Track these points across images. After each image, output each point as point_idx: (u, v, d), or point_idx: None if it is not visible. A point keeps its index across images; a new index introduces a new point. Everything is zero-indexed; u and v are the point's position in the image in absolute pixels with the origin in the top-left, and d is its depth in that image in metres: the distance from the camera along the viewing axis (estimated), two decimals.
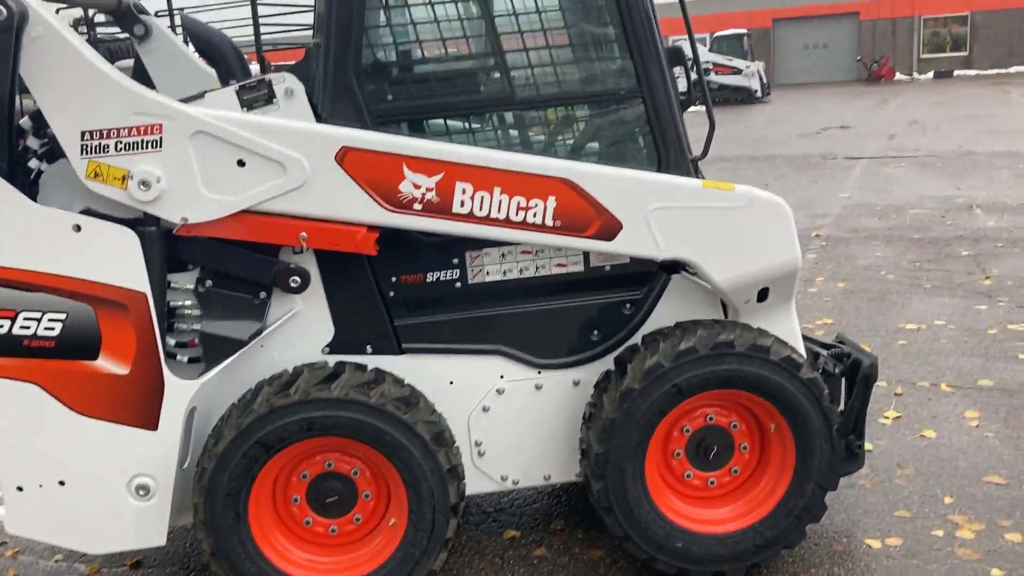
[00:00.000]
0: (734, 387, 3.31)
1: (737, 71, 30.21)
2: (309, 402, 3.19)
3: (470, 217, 3.30)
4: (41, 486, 3.31)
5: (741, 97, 29.89)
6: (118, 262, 3.18)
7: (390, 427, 3.23)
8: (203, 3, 13.26)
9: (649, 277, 3.61)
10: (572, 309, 3.62)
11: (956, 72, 38.54)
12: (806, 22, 40.92)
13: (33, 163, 3.27)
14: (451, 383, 3.59)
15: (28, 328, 3.19)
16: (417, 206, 3.28)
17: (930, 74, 38.92)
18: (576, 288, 3.61)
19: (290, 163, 3.19)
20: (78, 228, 3.15)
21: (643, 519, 3.38)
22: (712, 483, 3.52)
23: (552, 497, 4.27)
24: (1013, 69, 37.79)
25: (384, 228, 3.32)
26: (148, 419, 3.29)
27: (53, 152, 3.27)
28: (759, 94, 30.37)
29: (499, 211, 3.30)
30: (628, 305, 3.63)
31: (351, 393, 3.21)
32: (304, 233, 3.27)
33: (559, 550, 3.82)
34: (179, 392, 3.27)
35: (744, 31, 32.99)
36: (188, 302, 3.41)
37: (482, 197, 3.29)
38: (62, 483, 3.31)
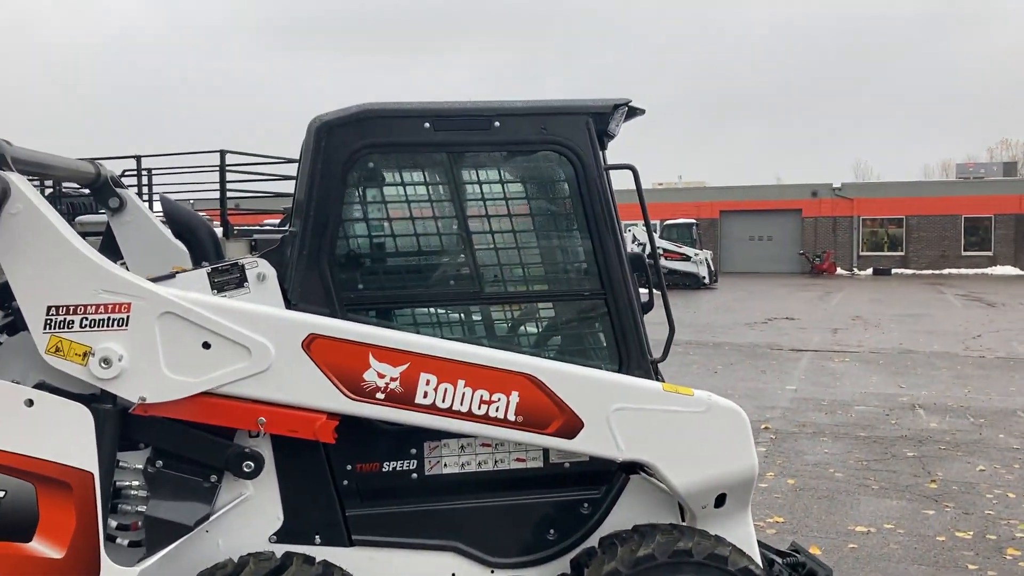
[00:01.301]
0: None
1: (686, 258, 31.30)
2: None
3: (432, 408, 3.30)
4: None
5: (689, 283, 30.82)
6: (68, 440, 3.10)
7: None
8: (171, 165, 13.55)
9: (608, 476, 3.60)
10: (529, 506, 3.57)
11: (894, 270, 40.33)
12: (752, 215, 42.91)
13: None
14: None
15: None
16: (380, 395, 3.27)
17: (869, 270, 40.67)
18: (534, 484, 3.58)
19: (256, 347, 3.19)
20: (30, 403, 3.08)
21: None
22: None
23: None
24: (946, 271, 39.70)
25: (345, 416, 3.29)
26: None
27: (15, 324, 3.24)
28: (707, 280, 31.36)
29: (462, 404, 3.31)
30: (586, 504, 3.59)
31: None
32: (263, 418, 3.23)
33: None
34: None
35: (693, 221, 34.40)
36: (135, 482, 3.31)
37: (446, 389, 3.30)
38: None
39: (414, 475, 3.51)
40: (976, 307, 23.25)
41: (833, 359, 14.20)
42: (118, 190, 4.22)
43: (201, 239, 3.63)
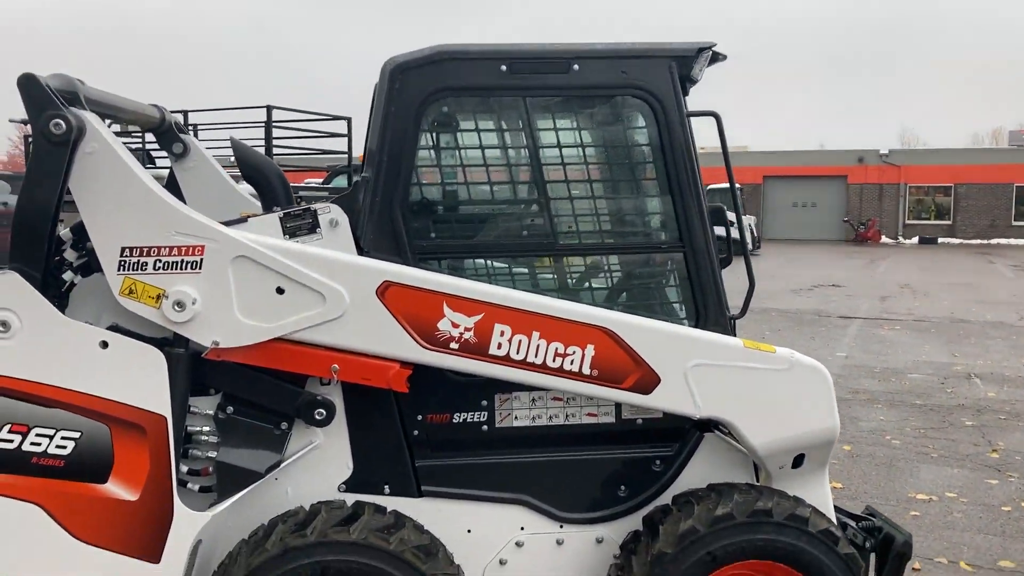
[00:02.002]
0: (769, 558, 3.17)
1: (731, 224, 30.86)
2: (325, 544, 3.03)
3: (506, 360, 3.23)
4: None
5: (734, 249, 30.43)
6: (142, 383, 3.08)
7: None
8: (216, 121, 13.56)
9: (681, 434, 3.52)
10: (600, 462, 3.50)
11: (940, 239, 39.55)
12: (796, 181, 42.20)
13: (67, 275, 3.20)
14: (468, 531, 3.44)
15: (38, 445, 3.04)
16: (454, 345, 3.21)
17: (914, 239, 39.91)
18: (605, 440, 3.51)
19: (330, 294, 3.13)
20: (105, 345, 3.05)
21: None
22: None
23: None
24: (994, 240, 38.84)
25: (418, 365, 3.24)
26: (151, 550, 3.10)
27: (89, 266, 3.21)
28: (751, 247, 30.97)
29: (536, 356, 3.23)
30: (658, 461, 3.51)
31: (370, 537, 3.05)
32: (336, 365, 3.18)
33: None
34: (187, 523, 3.10)
35: (738, 186, 33.89)
36: (206, 428, 3.28)
37: (520, 341, 3.23)
38: None
39: (484, 427, 3.45)
40: None
41: (883, 327, 13.95)
42: (182, 136, 4.17)
43: (272, 184, 3.57)
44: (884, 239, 40.17)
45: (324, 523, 3.07)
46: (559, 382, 3.27)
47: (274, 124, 13.31)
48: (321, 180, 17.43)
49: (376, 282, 3.16)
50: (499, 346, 3.22)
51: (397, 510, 3.28)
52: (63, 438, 3.05)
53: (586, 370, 3.25)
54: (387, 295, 3.17)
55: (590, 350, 3.24)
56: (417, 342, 3.19)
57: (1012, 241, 38.63)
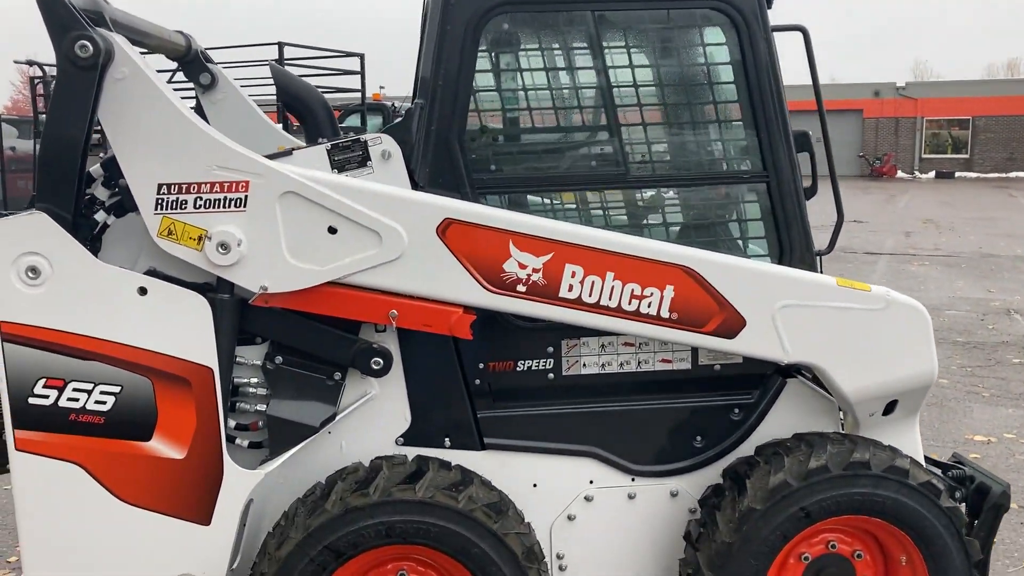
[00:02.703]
0: (866, 513, 2.94)
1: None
2: (390, 503, 2.80)
3: (577, 303, 2.97)
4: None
5: None
6: (185, 332, 2.82)
7: (478, 538, 2.83)
8: (227, 60, 13.13)
9: (762, 380, 3.27)
10: (674, 411, 3.26)
11: (957, 173, 38.92)
12: (810, 115, 41.25)
13: (99, 215, 2.93)
14: (534, 486, 3.21)
15: (76, 400, 2.80)
16: (521, 288, 2.94)
17: (931, 174, 39.28)
18: (680, 387, 3.26)
19: (387, 233, 2.86)
20: (143, 291, 2.79)
21: None
22: None
23: None
24: (1013, 174, 38.19)
25: (482, 310, 2.98)
26: (201, 511, 2.89)
27: (122, 205, 2.94)
28: None
29: (610, 299, 2.97)
30: (737, 410, 3.27)
31: (437, 496, 2.83)
32: (394, 311, 2.92)
33: None
34: (239, 482, 2.88)
35: None
36: (254, 380, 3.04)
37: (593, 282, 2.96)
38: None
39: (550, 375, 3.20)
40: None
41: (911, 263, 13.66)
42: (209, 65, 3.85)
43: (316, 113, 3.27)
44: (900, 174, 39.53)
45: (387, 481, 2.85)
46: (635, 327, 3.01)
47: (286, 62, 12.90)
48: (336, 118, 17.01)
49: (436, 220, 2.89)
50: (570, 288, 2.96)
51: (462, 465, 3.05)
52: (102, 393, 2.81)
53: (664, 313, 2.98)
54: (448, 234, 2.90)
55: (669, 291, 2.97)
56: (481, 285, 2.93)
57: None
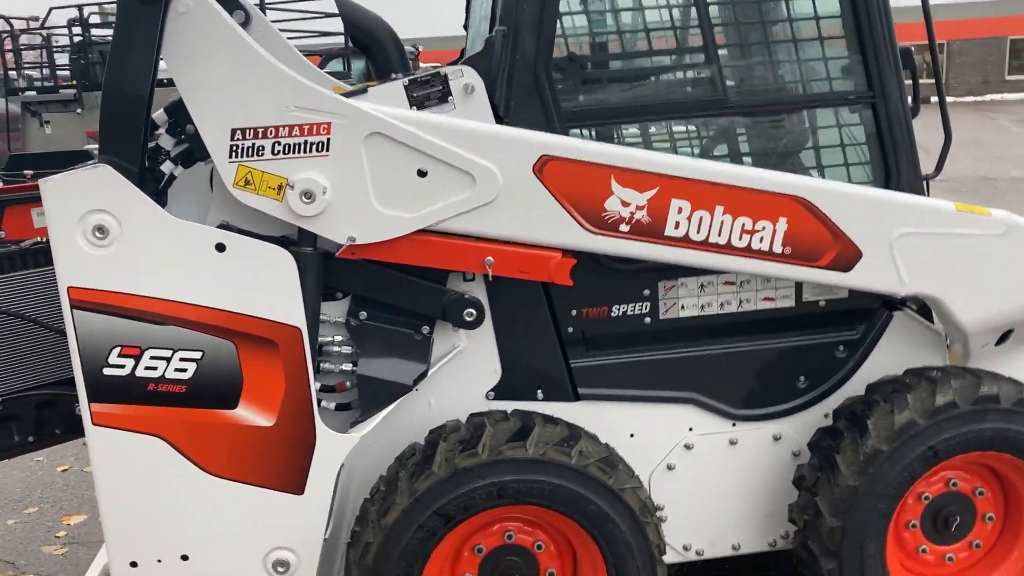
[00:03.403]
0: (996, 449, 2.81)
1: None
2: (500, 463, 2.63)
3: (684, 241, 2.77)
4: (160, 561, 2.70)
5: None
6: (269, 290, 2.60)
7: (593, 494, 2.67)
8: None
9: (868, 314, 3.10)
10: (776, 351, 3.09)
11: (932, 98, 38.75)
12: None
13: (166, 166, 2.68)
14: (631, 436, 3.05)
15: (155, 369, 2.58)
16: (624, 227, 2.74)
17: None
18: (782, 326, 3.09)
19: (480, 173, 2.63)
20: (221, 248, 2.56)
21: None
22: (949, 559, 3.01)
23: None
24: (988, 97, 38.16)
25: (583, 253, 2.77)
26: (293, 481, 2.69)
27: (191, 153, 2.68)
28: None
29: (719, 235, 2.77)
30: (841, 347, 3.11)
31: (549, 452, 2.65)
32: (490, 258, 2.71)
33: None
34: (333, 447, 2.69)
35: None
36: (338, 338, 2.83)
37: (701, 218, 2.76)
38: (185, 558, 2.70)
39: (647, 319, 3.02)
40: None
41: None
42: (242, 2, 3.55)
43: (384, 46, 3.01)
44: None
45: (494, 439, 2.66)
46: (745, 264, 2.82)
47: (267, 6, 12.42)
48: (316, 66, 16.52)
49: (533, 157, 2.66)
50: (676, 225, 2.75)
51: (566, 419, 2.87)
52: (182, 360, 2.59)
53: (777, 248, 2.79)
54: (546, 172, 2.67)
55: (782, 224, 2.78)
56: (581, 226, 2.72)
57: (1008, 96, 37.94)
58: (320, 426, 2.67)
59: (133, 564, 2.70)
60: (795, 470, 3.06)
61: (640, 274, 2.96)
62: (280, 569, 2.74)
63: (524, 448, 2.63)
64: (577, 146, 2.70)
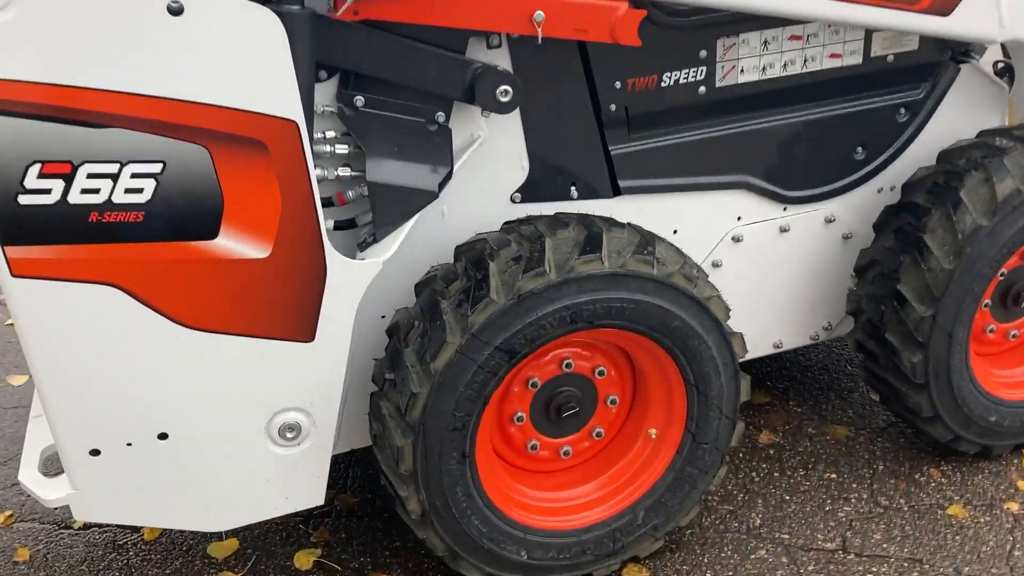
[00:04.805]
0: None
1: None
2: (574, 281, 2.08)
3: None
4: (130, 445, 2.05)
5: None
6: (251, 69, 1.84)
7: (679, 308, 2.19)
8: None
9: (934, 69, 2.67)
10: (835, 119, 2.63)
11: None
12: None
13: None
14: (675, 232, 2.56)
15: (96, 193, 1.81)
16: None
17: None
18: (846, 88, 2.62)
19: None
20: (176, 9, 1.75)
21: (962, 393, 2.60)
22: (1013, 336, 2.78)
23: None
24: None
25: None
26: (300, 325, 2.06)
27: None
28: None
29: None
30: (903, 109, 2.68)
31: (630, 264, 2.12)
32: (541, 12, 2.03)
33: (789, 432, 3.00)
34: (350, 277, 2.06)
35: None
36: (330, 133, 2.12)
37: None
38: (163, 436, 2.06)
39: (701, 88, 2.46)
40: None
41: None
42: None
43: None
44: None
45: (558, 252, 2.09)
46: (837, 8, 2.28)
47: None
48: None
49: None
50: None
51: (631, 222, 2.34)
52: (135, 176, 1.82)
53: None
54: None
55: None
56: None
57: None
58: (331, 252, 2.01)
59: (94, 452, 2.03)
60: (859, 255, 2.69)
61: (697, 31, 2.37)
62: (290, 435, 2.15)
63: (600, 261, 2.09)
64: None
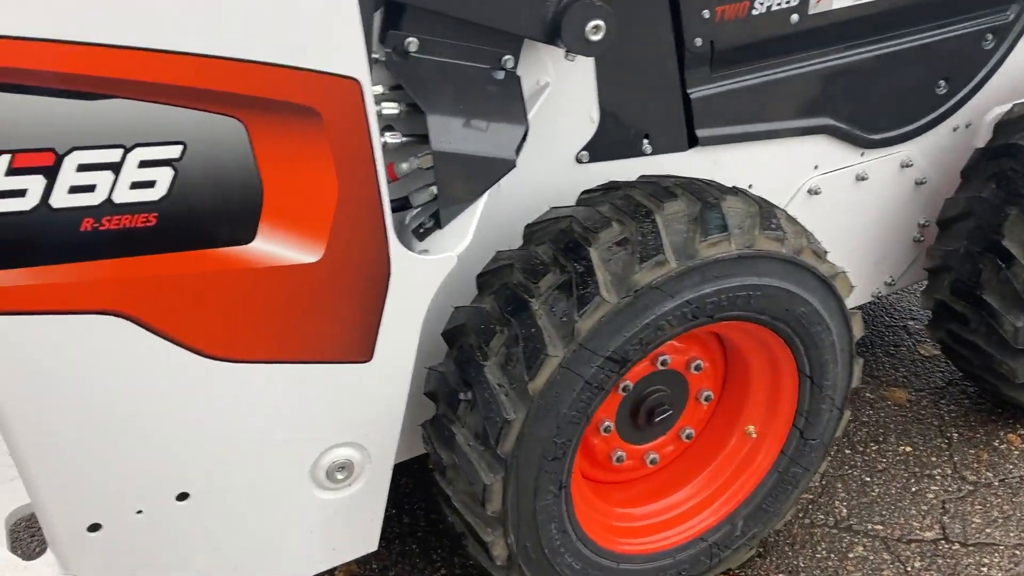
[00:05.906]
0: None
1: None
2: (698, 269, 1.67)
3: None
4: (140, 512, 1.56)
5: None
6: (303, 10, 1.32)
7: (808, 291, 1.83)
8: None
9: None
10: (921, 49, 2.29)
11: None
12: None
13: None
14: (750, 187, 2.19)
15: (90, 190, 1.28)
16: None
17: None
18: (934, 11, 2.28)
19: None
20: None
21: None
22: None
23: None
24: None
25: None
26: (356, 341, 1.59)
27: None
28: None
29: None
30: (990, 36, 2.37)
31: (759, 242, 1.73)
32: None
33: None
34: (418, 278, 1.60)
35: None
36: (377, 88, 1.62)
37: None
38: (183, 496, 1.58)
39: (793, 16, 2.06)
40: None
41: None
42: None
43: None
44: None
45: (673, 232, 1.68)
46: None
47: None
48: None
49: None
50: None
51: (736, 186, 1.94)
52: (144, 164, 1.30)
53: None
54: None
55: None
56: None
57: None
58: (396, 247, 1.54)
59: (94, 528, 1.53)
60: (944, 205, 2.39)
61: None
62: (340, 476, 1.70)
63: (728, 241, 1.68)
64: None
